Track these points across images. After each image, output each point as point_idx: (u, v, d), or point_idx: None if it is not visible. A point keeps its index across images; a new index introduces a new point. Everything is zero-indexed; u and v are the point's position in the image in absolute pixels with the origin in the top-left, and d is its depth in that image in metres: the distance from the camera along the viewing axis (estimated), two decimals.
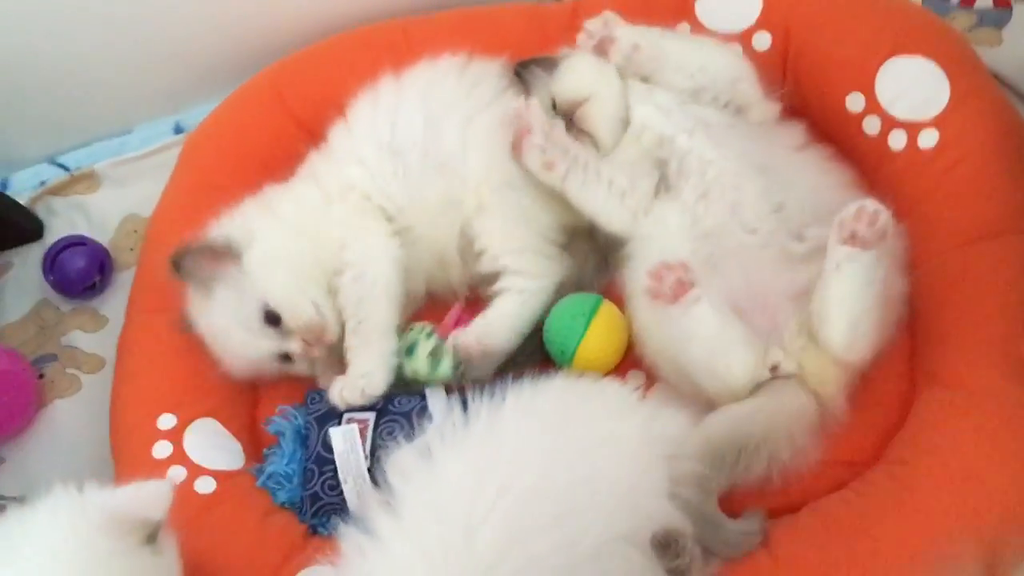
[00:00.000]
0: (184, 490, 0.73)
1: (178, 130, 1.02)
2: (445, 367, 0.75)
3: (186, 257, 0.74)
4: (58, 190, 1.01)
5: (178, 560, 0.60)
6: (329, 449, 0.73)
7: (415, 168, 0.80)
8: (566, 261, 0.80)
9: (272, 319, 0.75)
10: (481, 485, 0.59)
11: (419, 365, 0.76)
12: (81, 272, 0.92)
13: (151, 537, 0.58)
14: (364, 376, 0.74)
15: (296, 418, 0.77)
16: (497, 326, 0.76)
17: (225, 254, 0.75)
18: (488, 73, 0.83)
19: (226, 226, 0.78)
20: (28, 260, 0.98)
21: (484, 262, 0.79)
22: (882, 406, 0.70)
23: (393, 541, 0.59)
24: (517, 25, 0.90)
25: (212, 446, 0.77)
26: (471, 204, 0.80)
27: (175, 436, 0.76)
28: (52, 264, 0.93)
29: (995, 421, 0.65)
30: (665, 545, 0.60)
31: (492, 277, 0.79)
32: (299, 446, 0.75)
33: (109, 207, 0.99)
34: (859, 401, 0.69)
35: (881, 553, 0.62)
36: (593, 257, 0.81)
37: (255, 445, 0.79)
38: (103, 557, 0.56)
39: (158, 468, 0.74)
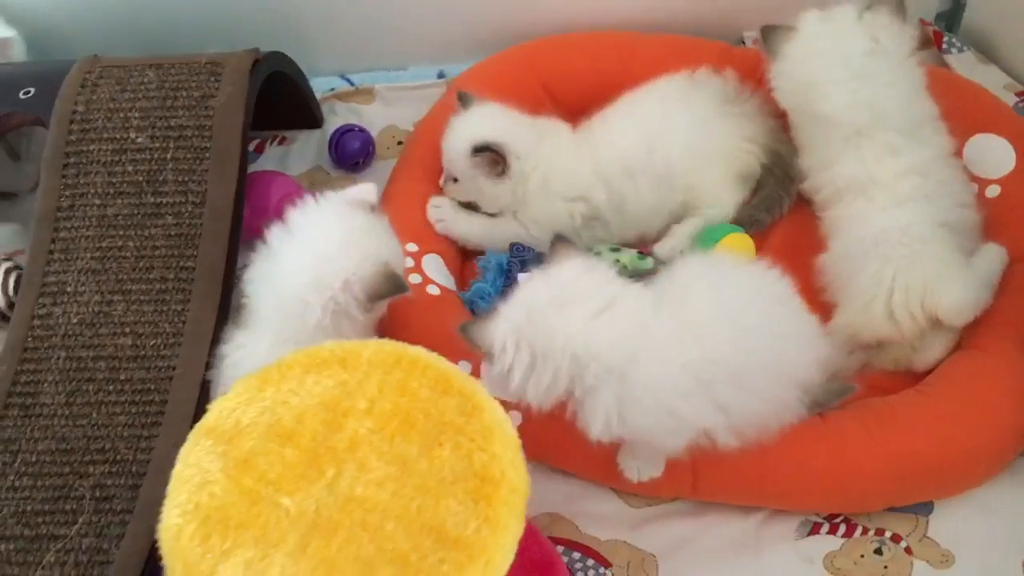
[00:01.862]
0: (418, 290, 1.03)
1: (440, 75, 1.37)
2: (648, 261, 1.06)
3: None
4: (342, 97, 1.37)
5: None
6: None
7: (643, 185, 1.09)
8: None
9: None
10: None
11: (627, 258, 1.06)
12: (355, 151, 1.26)
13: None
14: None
15: (500, 257, 1.07)
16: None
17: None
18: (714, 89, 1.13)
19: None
20: (309, 139, 1.32)
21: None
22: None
23: None
24: (708, 59, 1.22)
25: (437, 270, 1.08)
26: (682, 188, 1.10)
27: (416, 257, 1.07)
28: (335, 142, 1.27)
29: (1002, 370, 0.93)
30: None
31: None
32: (499, 275, 1.05)
33: (377, 116, 1.33)
34: None
35: (900, 423, 0.90)
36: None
37: (462, 284, 1.10)
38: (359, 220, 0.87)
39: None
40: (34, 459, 0.88)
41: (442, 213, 1.11)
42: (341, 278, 0.83)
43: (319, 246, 0.85)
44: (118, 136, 1.03)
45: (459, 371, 0.69)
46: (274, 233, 0.88)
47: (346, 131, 1.27)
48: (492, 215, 1.12)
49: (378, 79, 1.38)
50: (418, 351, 0.71)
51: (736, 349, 0.81)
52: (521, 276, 1.00)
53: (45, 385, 0.92)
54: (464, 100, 1.12)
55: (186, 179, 1.01)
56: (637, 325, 0.80)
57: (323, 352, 0.71)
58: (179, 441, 0.85)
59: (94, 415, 0.90)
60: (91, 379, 0.92)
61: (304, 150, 1.32)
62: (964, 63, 1.24)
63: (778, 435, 0.87)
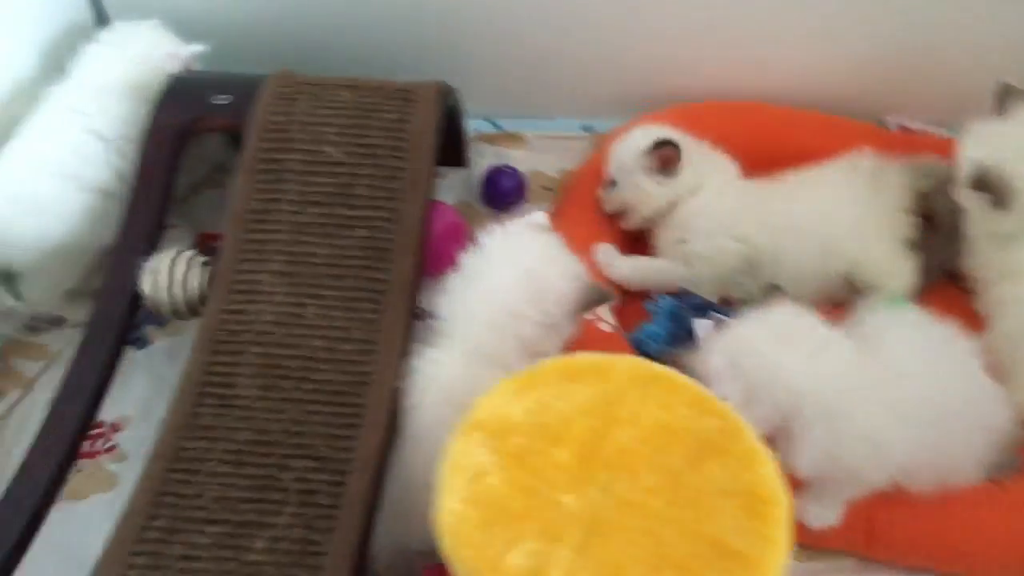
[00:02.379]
0: (591, 327, 1.05)
1: (586, 129, 1.42)
2: None
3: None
4: (490, 139, 1.42)
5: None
6: (692, 332, 1.06)
7: (808, 247, 1.12)
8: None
9: None
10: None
11: None
12: (508, 190, 1.31)
13: None
14: None
15: (672, 302, 1.11)
16: None
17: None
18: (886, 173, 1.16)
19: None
20: (455, 177, 1.37)
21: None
22: None
23: None
24: (860, 138, 1.26)
25: (603, 310, 1.11)
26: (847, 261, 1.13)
27: None
28: (489, 180, 1.31)
29: None
30: None
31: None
32: (670, 320, 1.08)
33: (525, 161, 1.37)
34: None
35: None
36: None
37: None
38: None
39: None
40: (234, 448, 0.89)
41: (609, 257, 1.15)
42: (553, 291, 0.88)
43: (525, 265, 0.90)
44: (313, 149, 1.07)
45: (712, 394, 0.71)
46: (469, 259, 0.94)
47: (500, 171, 1.32)
48: (649, 255, 1.17)
49: (525, 126, 1.43)
50: (668, 370, 0.73)
51: (936, 392, 0.85)
52: (700, 322, 1.04)
53: (240, 378, 0.94)
54: None
55: (378, 195, 1.05)
56: (849, 365, 0.83)
57: (578, 362, 0.73)
58: (378, 444, 0.88)
59: (291, 411, 0.91)
60: (286, 376, 0.94)
61: (452, 186, 1.36)
62: None
63: (960, 495, 0.90)
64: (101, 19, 1.35)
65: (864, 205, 1.13)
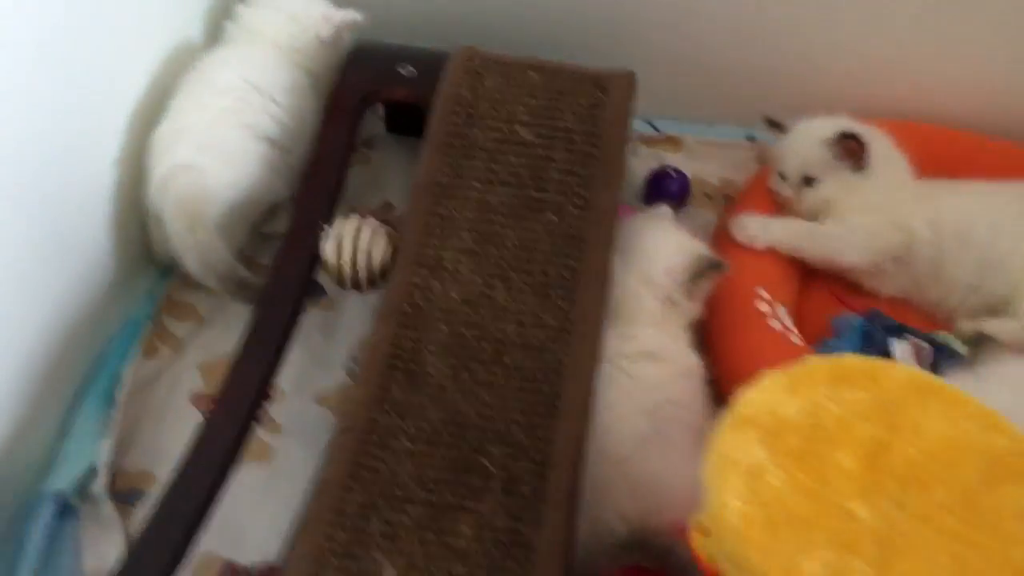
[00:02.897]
0: (782, 338, 1.01)
1: (750, 138, 1.37)
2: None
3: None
4: (648, 142, 1.37)
5: None
6: (885, 353, 1.01)
7: (969, 260, 1.08)
8: None
9: None
10: None
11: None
12: (672, 193, 1.26)
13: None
14: None
15: (861, 319, 1.05)
16: None
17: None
18: None
19: None
20: None
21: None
22: None
23: None
24: None
25: (789, 321, 1.05)
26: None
27: (771, 305, 1.05)
28: (653, 182, 1.26)
29: None
30: None
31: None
32: (858, 339, 1.03)
33: (684, 166, 1.33)
34: None
35: None
36: None
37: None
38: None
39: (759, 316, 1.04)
40: (427, 427, 0.84)
41: (753, 227, 1.11)
42: (662, 267, 0.99)
43: (641, 247, 1.02)
44: (503, 127, 1.03)
45: (998, 411, 0.65)
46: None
47: (666, 172, 1.27)
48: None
49: (685, 129, 1.38)
50: (944, 382, 0.68)
51: None
52: (898, 344, 0.98)
53: (428, 355, 0.89)
54: (774, 123, 1.17)
55: (570, 180, 1.00)
56: None
57: (847, 364, 0.68)
58: (577, 436, 0.83)
59: (484, 395, 0.87)
60: (476, 358, 0.89)
61: None
62: None
63: None
64: None
65: None
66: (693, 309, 1.02)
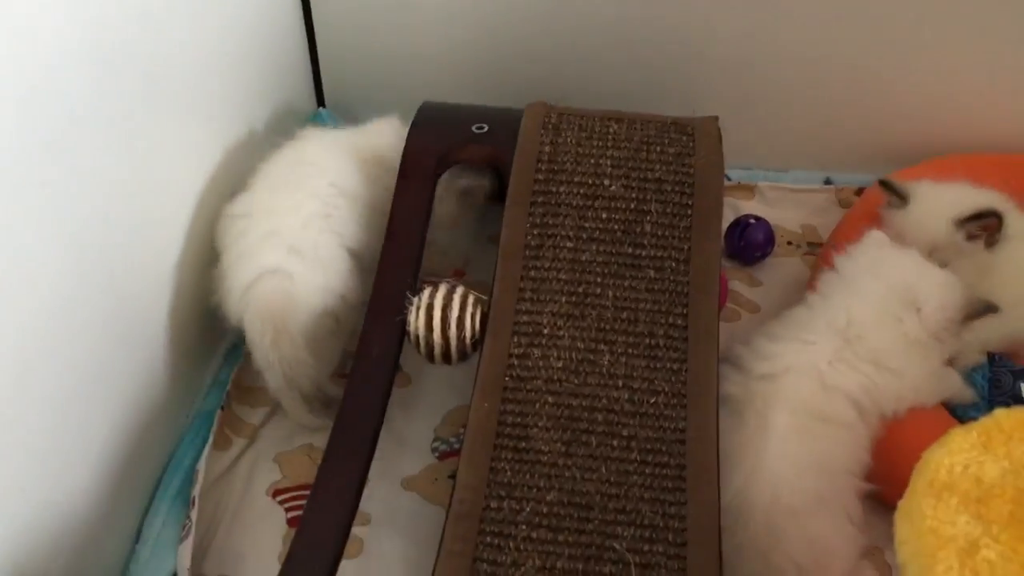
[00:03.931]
0: None
1: (827, 182, 1.32)
2: None
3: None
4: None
5: None
6: (1018, 398, 0.93)
7: None
8: None
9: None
10: None
11: None
12: (759, 242, 1.20)
13: None
14: None
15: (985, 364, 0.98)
16: None
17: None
18: None
19: None
20: None
21: None
22: None
23: None
24: None
25: None
26: None
27: None
28: (739, 232, 1.21)
29: None
30: None
31: None
32: (990, 384, 0.95)
33: (759, 213, 1.28)
34: None
35: None
36: None
37: None
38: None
39: None
40: (545, 510, 0.77)
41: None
42: (937, 300, 0.92)
43: (909, 273, 0.94)
44: (589, 182, 0.98)
45: None
46: (840, 263, 0.98)
47: (749, 223, 1.21)
48: None
49: (758, 177, 1.33)
50: None
51: None
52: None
53: (536, 430, 0.83)
54: (893, 189, 1.07)
55: (667, 234, 0.95)
56: None
57: None
58: (710, 511, 0.76)
59: (603, 470, 0.80)
60: (589, 431, 0.82)
61: None
62: None
63: None
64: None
65: None
66: (948, 351, 0.95)
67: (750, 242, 1.20)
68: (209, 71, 1.02)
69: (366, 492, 0.96)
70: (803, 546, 0.83)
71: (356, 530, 0.94)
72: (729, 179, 1.34)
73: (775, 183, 1.32)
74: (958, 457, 0.58)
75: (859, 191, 1.29)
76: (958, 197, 1.04)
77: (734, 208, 1.29)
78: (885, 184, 1.07)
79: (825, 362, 0.90)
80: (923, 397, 0.92)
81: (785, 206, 1.30)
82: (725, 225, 1.23)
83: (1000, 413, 0.62)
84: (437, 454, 1.02)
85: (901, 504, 0.57)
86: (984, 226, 1.01)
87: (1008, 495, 0.56)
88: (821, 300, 0.96)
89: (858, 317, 0.92)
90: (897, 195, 1.06)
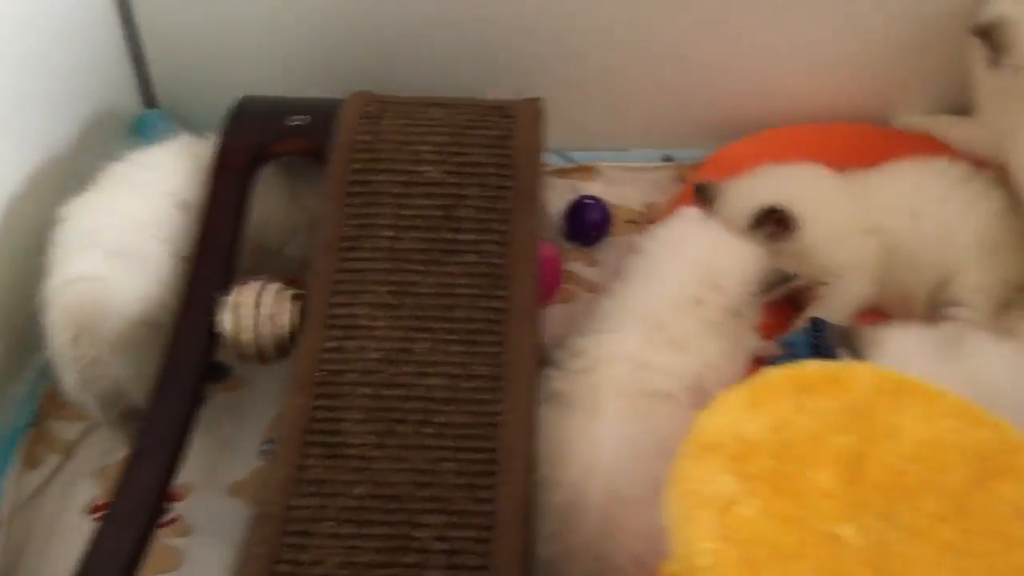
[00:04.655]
0: None
1: (667, 159, 1.34)
2: None
3: None
4: (562, 173, 1.33)
5: None
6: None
7: (927, 231, 1.07)
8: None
9: None
10: None
11: None
12: (595, 222, 1.21)
13: None
14: None
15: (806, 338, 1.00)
16: None
17: None
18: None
19: None
20: None
21: (947, 296, 1.05)
22: None
23: None
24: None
25: None
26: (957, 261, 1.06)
27: None
28: (573, 212, 1.22)
29: None
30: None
31: (945, 304, 1.05)
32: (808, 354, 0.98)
33: (601, 194, 1.29)
34: None
35: None
36: None
37: None
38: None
39: None
40: (352, 504, 0.76)
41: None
42: (735, 275, 0.92)
43: (701, 252, 0.94)
44: (408, 169, 0.97)
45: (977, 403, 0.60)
46: (644, 244, 0.98)
47: (584, 203, 1.22)
48: None
49: (600, 158, 1.34)
50: (916, 378, 0.63)
51: None
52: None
53: (348, 423, 0.81)
54: (703, 192, 1.11)
55: (486, 217, 0.94)
56: None
57: (809, 372, 0.63)
58: (519, 492, 0.76)
59: (415, 459, 0.79)
60: (403, 420, 0.81)
61: None
62: None
63: None
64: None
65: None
66: (750, 324, 0.96)
67: (586, 222, 1.21)
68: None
69: (188, 501, 0.94)
70: (643, 537, 0.80)
71: (175, 541, 0.92)
72: (571, 161, 1.34)
73: (616, 163, 1.33)
74: (724, 417, 0.59)
75: (699, 166, 1.31)
76: (755, 196, 1.06)
77: (575, 190, 1.30)
78: (697, 187, 1.10)
79: (636, 349, 0.89)
80: (724, 374, 0.92)
81: (626, 185, 1.31)
82: (560, 205, 1.24)
83: (770, 371, 0.63)
84: (267, 456, 0.99)
85: (670, 470, 0.58)
86: (776, 222, 1.03)
87: (770, 451, 0.57)
88: (624, 287, 0.96)
89: (658, 305, 0.92)
90: (706, 198, 1.09)
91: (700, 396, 0.90)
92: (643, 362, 0.88)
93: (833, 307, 1.06)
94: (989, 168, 1.11)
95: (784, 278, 0.94)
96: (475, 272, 0.91)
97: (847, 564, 0.52)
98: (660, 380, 0.89)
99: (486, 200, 0.95)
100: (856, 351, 0.77)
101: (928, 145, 1.19)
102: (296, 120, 1.03)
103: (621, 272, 0.99)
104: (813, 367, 0.63)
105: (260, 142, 1.01)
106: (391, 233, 0.93)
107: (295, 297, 0.90)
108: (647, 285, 0.94)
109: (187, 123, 1.12)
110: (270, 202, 1.06)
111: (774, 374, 0.62)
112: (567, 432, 0.86)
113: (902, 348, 0.77)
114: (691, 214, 0.99)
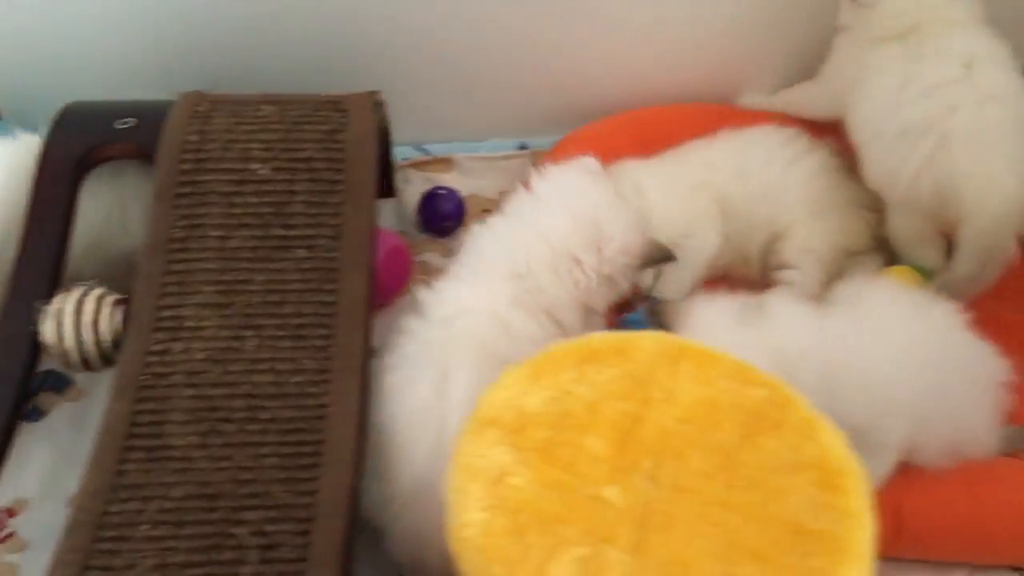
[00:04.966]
0: None
1: (522, 147, 1.35)
2: None
3: None
4: (418, 166, 1.33)
5: None
6: None
7: (753, 190, 1.11)
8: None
9: None
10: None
11: None
12: (447, 212, 1.22)
13: None
14: None
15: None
16: None
17: None
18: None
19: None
20: (385, 206, 1.27)
21: (779, 258, 1.09)
22: None
23: None
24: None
25: None
26: (784, 221, 1.10)
27: None
28: (425, 204, 1.22)
29: None
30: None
31: (779, 267, 1.09)
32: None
33: (457, 185, 1.30)
34: None
35: None
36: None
37: None
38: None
39: None
40: (170, 506, 0.75)
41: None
42: (617, 241, 0.87)
43: (587, 210, 0.88)
44: (238, 168, 0.96)
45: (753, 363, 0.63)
46: (519, 198, 0.93)
47: (437, 193, 1.23)
48: None
49: (455, 149, 1.35)
50: (698, 343, 0.65)
51: (920, 346, 0.83)
52: None
53: (171, 425, 0.81)
54: None
55: (318, 211, 0.94)
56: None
57: (595, 342, 0.64)
58: (342, 483, 0.76)
59: (238, 457, 0.79)
60: (227, 419, 0.81)
61: (383, 215, 1.26)
62: None
63: (986, 473, 0.85)
64: None
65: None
66: (620, 293, 0.92)
67: (439, 213, 1.22)
68: None
69: (26, 516, 0.92)
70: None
71: (10, 557, 0.90)
72: (427, 153, 1.35)
73: (472, 153, 1.35)
74: (505, 392, 0.61)
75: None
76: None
77: (432, 181, 1.30)
78: None
79: (504, 306, 0.85)
80: None
81: (483, 175, 1.33)
82: (412, 201, 1.24)
83: (553, 345, 0.65)
84: None
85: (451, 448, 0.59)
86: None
87: (547, 422, 0.59)
88: (506, 227, 0.91)
89: (535, 264, 0.87)
90: None
91: None
92: (506, 323, 0.84)
93: (689, 266, 1.08)
94: (829, 135, 1.16)
95: (666, 255, 0.92)
96: (305, 267, 0.91)
97: (611, 524, 0.54)
98: (522, 348, 0.80)
99: (317, 195, 0.95)
100: (663, 325, 0.79)
101: (766, 119, 1.23)
102: (124, 123, 1.02)
103: (501, 209, 0.94)
104: (598, 338, 0.65)
105: (85, 147, 0.99)
106: (221, 232, 0.92)
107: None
108: (528, 238, 0.88)
109: (30, 127, 1.09)
110: (105, 207, 1.04)
111: (559, 347, 0.64)
112: (416, 405, 0.82)
113: (705, 318, 0.79)
114: (590, 164, 0.93)
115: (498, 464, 0.56)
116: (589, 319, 0.91)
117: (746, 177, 1.11)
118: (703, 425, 0.59)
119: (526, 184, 0.94)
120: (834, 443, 0.58)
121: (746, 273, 1.12)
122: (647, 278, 1.01)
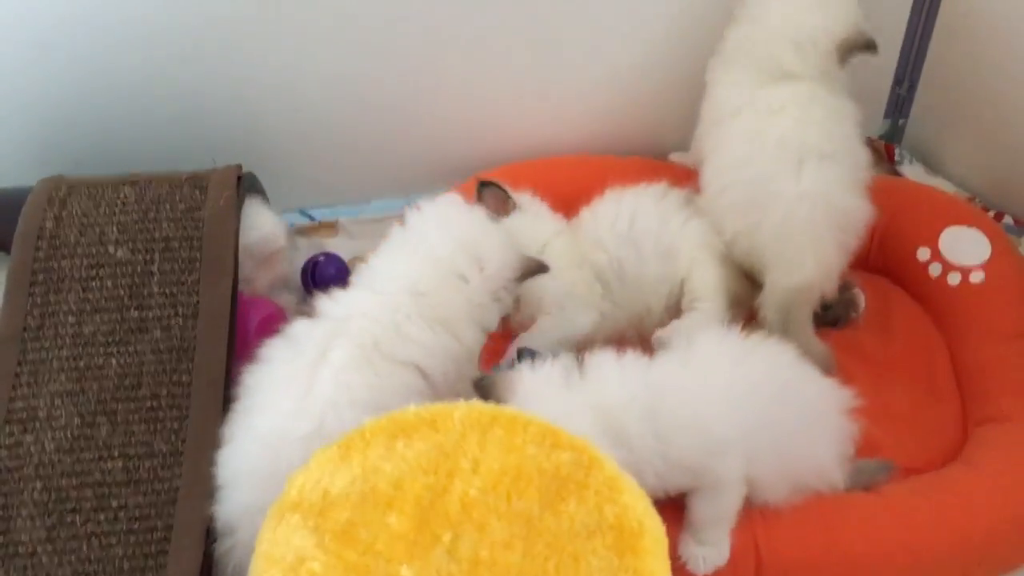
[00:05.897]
0: None
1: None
2: None
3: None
4: (303, 231, 1.35)
5: None
6: None
7: (646, 252, 1.13)
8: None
9: None
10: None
11: None
12: (331, 276, 1.23)
13: None
14: None
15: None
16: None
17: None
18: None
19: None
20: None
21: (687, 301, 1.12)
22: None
23: None
24: (670, 175, 1.25)
25: None
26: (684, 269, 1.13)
27: None
28: (310, 270, 1.24)
29: None
30: None
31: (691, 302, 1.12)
32: None
33: (342, 249, 1.31)
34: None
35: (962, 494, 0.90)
36: None
37: None
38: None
39: None
40: None
41: None
42: (498, 258, 0.94)
43: (468, 234, 0.94)
44: (94, 251, 0.97)
45: (561, 427, 0.65)
46: (409, 219, 0.98)
47: (320, 259, 1.24)
48: None
49: (340, 213, 1.37)
50: (511, 409, 0.66)
51: (753, 382, 0.86)
52: None
53: (19, 521, 0.80)
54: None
55: (175, 291, 0.96)
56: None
57: (408, 416, 0.66)
58: (190, 569, 0.77)
59: (84, 549, 0.79)
60: (76, 509, 0.81)
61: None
62: (915, 174, 1.36)
63: (840, 507, 0.87)
64: None
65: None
66: (504, 309, 0.97)
67: (322, 279, 1.23)
68: None
69: None
70: None
71: None
72: (312, 219, 1.37)
73: (356, 217, 1.36)
74: (313, 474, 0.62)
75: None
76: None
77: (319, 247, 1.32)
78: (481, 184, 1.14)
79: (401, 315, 0.88)
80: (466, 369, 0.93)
81: (368, 237, 1.33)
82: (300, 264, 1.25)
83: (366, 422, 0.66)
84: None
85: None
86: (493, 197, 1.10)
87: (350, 503, 0.60)
88: (391, 252, 0.96)
89: (425, 279, 0.91)
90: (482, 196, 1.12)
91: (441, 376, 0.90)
92: (396, 325, 0.88)
93: (556, 334, 1.10)
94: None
95: (539, 267, 0.97)
96: (162, 348, 0.92)
97: None
98: (411, 351, 0.87)
99: (174, 274, 0.97)
100: (495, 398, 0.80)
101: (645, 171, 1.25)
102: None
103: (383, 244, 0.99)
104: (411, 412, 0.66)
105: None
106: (75, 319, 0.93)
107: None
108: (413, 255, 0.93)
109: None
110: None
111: (371, 423, 0.65)
112: (290, 369, 0.84)
113: (531, 387, 0.81)
114: (455, 199, 1.00)
115: (296, 550, 0.57)
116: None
117: (639, 242, 1.13)
118: (506, 493, 0.60)
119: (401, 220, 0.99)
120: (634, 501, 0.60)
121: (650, 325, 1.13)
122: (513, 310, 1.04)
